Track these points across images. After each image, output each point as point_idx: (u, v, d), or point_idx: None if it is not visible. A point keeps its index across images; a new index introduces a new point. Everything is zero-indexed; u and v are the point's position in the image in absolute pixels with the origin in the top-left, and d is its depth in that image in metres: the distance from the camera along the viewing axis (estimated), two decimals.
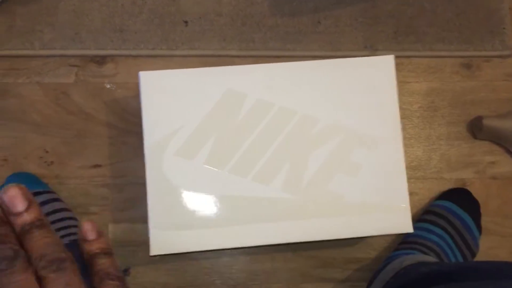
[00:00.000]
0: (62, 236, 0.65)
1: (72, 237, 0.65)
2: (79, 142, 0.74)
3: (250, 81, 0.63)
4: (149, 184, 0.61)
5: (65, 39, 0.76)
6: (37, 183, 0.71)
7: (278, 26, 0.78)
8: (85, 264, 0.54)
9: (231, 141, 0.62)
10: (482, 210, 0.74)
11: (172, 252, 0.60)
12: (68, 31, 0.76)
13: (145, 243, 0.72)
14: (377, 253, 0.75)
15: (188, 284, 0.73)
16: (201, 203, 0.61)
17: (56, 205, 0.68)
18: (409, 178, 0.76)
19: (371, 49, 0.78)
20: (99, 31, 0.76)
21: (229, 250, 0.73)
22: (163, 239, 0.60)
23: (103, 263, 0.30)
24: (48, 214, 0.67)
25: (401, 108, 0.77)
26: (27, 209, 0.28)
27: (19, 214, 0.28)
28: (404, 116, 0.78)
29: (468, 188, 0.75)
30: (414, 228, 0.69)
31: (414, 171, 0.76)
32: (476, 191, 0.75)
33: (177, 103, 0.62)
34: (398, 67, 0.78)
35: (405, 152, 0.77)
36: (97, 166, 0.74)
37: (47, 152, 0.74)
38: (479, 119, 0.75)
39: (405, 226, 0.62)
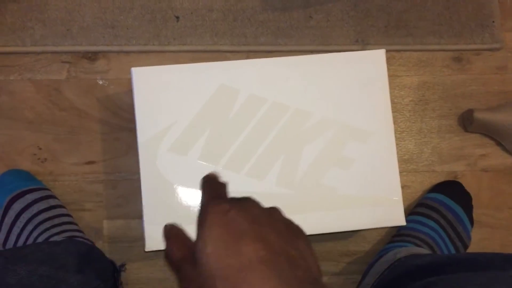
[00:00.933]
0: (57, 233, 0.65)
1: (67, 234, 0.65)
2: (72, 139, 0.74)
3: (243, 76, 0.63)
4: (143, 180, 0.61)
5: (56, 35, 0.76)
6: (31, 180, 0.71)
7: (270, 21, 0.78)
8: (81, 260, 0.55)
9: (225, 137, 0.62)
10: (473, 202, 0.75)
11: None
12: (60, 27, 0.76)
13: (140, 238, 0.73)
14: (371, 246, 0.75)
15: None
16: (195, 198, 0.61)
17: (51, 202, 0.68)
18: (401, 171, 0.76)
19: (362, 43, 0.79)
20: (90, 27, 0.76)
21: None
22: (158, 234, 0.60)
23: None
24: (42, 211, 0.67)
25: (392, 102, 0.78)
26: None
27: None
28: (396, 109, 0.78)
29: (460, 181, 0.76)
30: (407, 221, 0.69)
31: (406, 164, 0.77)
32: (468, 184, 0.76)
33: (170, 99, 0.62)
34: (389, 61, 0.79)
35: (397, 145, 0.77)
36: (90, 162, 0.74)
37: (40, 149, 0.74)
38: (470, 112, 0.76)
39: (398, 219, 0.62)
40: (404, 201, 0.74)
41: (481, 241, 0.77)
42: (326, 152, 0.63)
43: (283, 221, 0.33)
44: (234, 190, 0.61)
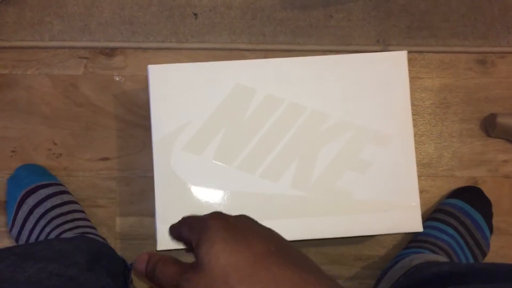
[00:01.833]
0: (70, 229, 0.65)
1: (80, 230, 0.65)
2: (88, 135, 0.74)
3: (260, 76, 0.62)
4: (156, 179, 0.60)
5: (74, 30, 0.76)
6: (46, 175, 0.71)
7: (289, 19, 0.77)
8: (91, 258, 0.54)
9: (240, 137, 0.61)
10: (493, 209, 0.73)
11: (178, 248, 0.60)
12: (78, 22, 0.76)
13: (152, 236, 0.72)
14: (386, 251, 0.74)
15: None
16: (208, 198, 0.60)
17: (65, 198, 0.68)
18: (419, 176, 0.75)
19: (383, 44, 0.77)
20: (108, 23, 0.76)
21: None
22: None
23: None
24: (56, 206, 0.67)
25: (413, 105, 0.76)
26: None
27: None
28: (416, 112, 0.76)
29: (480, 187, 0.74)
30: (425, 226, 0.68)
31: (425, 169, 0.75)
32: (488, 190, 0.74)
33: (186, 98, 0.61)
34: (411, 62, 0.77)
35: (416, 149, 0.76)
36: (105, 159, 0.74)
37: (55, 144, 0.74)
38: (492, 116, 0.74)
39: (415, 225, 0.61)
40: (421, 206, 0.73)
41: (500, 249, 0.74)
42: (343, 155, 0.61)
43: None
44: (248, 192, 0.61)
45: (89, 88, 0.75)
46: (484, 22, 0.77)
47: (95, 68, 0.75)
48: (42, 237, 0.65)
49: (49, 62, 0.75)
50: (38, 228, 0.65)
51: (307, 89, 0.62)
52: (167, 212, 0.60)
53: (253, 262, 0.27)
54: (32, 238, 0.66)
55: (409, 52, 0.77)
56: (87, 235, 0.64)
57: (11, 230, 0.69)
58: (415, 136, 0.76)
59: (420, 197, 0.65)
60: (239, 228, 0.30)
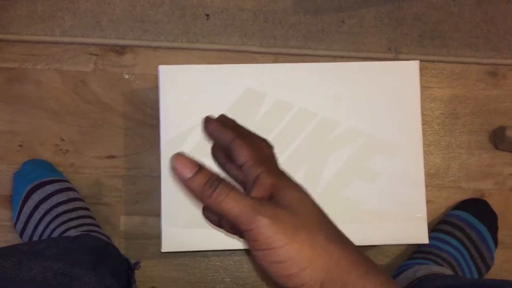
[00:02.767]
0: (75, 227, 0.64)
1: (85, 228, 0.65)
2: (95, 132, 0.74)
3: (270, 80, 0.62)
4: (163, 180, 0.60)
5: (85, 27, 0.75)
6: (53, 171, 0.70)
7: (301, 24, 0.76)
8: (96, 257, 0.54)
9: None
10: (499, 223, 0.73)
11: (183, 250, 0.60)
12: (89, 19, 0.75)
13: (156, 236, 0.72)
14: (389, 260, 0.73)
15: (197, 280, 0.72)
16: None
17: (70, 195, 0.68)
18: (426, 186, 0.74)
19: (395, 51, 0.76)
20: (120, 20, 0.76)
21: (240, 250, 0.73)
22: (175, 236, 0.60)
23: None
24: (61, 203, 0.67)
25: (422, 114, 0.75)
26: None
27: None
28: (425, 122, 0.76)
29: (487, 199, 0.74)
30: (429, 237, 0.67)
31: (432, 179, 0.75)
32: (495, 203, 0.74)
33: (196, 99, 0.61)
34: (422, 71, 0.77)
35: (424, 159, 0.75)
36: (111, 157, 0.73)
37: (63, 140, 0.74)
38: (502, 129, 0.73)
39: (421, 236, 0.61)
40: (427, 216, 0.72)
41: (504, 263, 0.74)
42: (351, 163, 0.61)
43: None
44: None
45: (98, 85, 0.75)
46: (497, 34, 0.77)
47: (105, 65, 0.75)
48: (46, 234, 0.65)
49: (59, 58, 0.75)
50: (43, 224, 0.65)
51: (317, 95, 0.62)
52: (173, 215, 0.60)
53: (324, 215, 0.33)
54: (37, 234, 0.66)
55: (420, 61, 0.76)
56: (92, 233, 0.63)
57: (15, 225, 0.69)
58: (423, 145, 0.75)
59: (426, 207, 0.64)
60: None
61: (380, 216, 0.60)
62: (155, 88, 0.73)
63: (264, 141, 0.37)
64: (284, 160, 0.61)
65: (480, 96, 0.77)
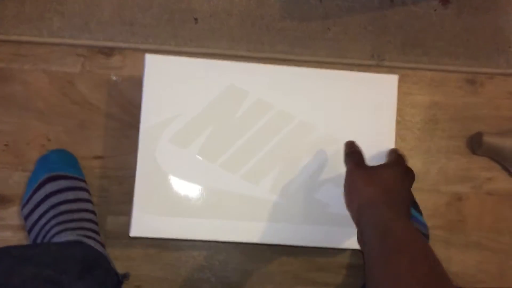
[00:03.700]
0: (72, 229, 0.65)
1: (82, 232, 0.65)
2: (82, 133, 0.74)
3: (254, 79, 0.64)
4: (139, 166, 0.61)
5: (74, 28, 0.76)
6: (73, 166, 0.71)
7: (288, 29, 0.78)
8: (85, 266, 0.55)
9: (226, 136, 0.63)
10: (475, 225, 0.76)
11: (151, 236, 0.61)
12: (78, 20, 0.76)
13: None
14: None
15: (183, 279, 0.73)
16: (187, 192, 0.62)
17: (80, 195, 0.69)
18: None
19: (378, 58, 0.79)
20: (108, 23, 0.76)
21: (225, 249, 0.74)
22: (145, 222, 0.61)
23: None
24: (68, 201, 0.67)
25: (403, 120, 0.78)
26: None
27: None
28: (406, 127, 0.78)
29: (464, 203, 0.76)
30: None
31: None
32: (471, 206, 0.77)
33: (179, 91, 0.63)
34: (403, 78, 0.79)
35: None
36: (98, 157, 0.74)
37: (49, 140, 0.74)
38: (479, 135, 0.76)
39: None
40: None
41: (480, 263, 0.77)
42: (324, 167, 0.64)
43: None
44: (227, 191, 0.62)
45: (86, 86, 0.75)
46: (476, 43, 0.80)
47: (93, 67, 0.76)
48: (47, 228, 0.65)
49: (47, 58, 0.75)
50: (47, 217, 0.66)
51: (298, 99, 0.64)
52: (145, 201, 0.61)
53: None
54: (39, 225, 0.66)
55: (401, 68, 0.79)
56: (88, 239, 0.64)
57: (23, 207, 0.69)
58: (404, 150, 0.78)
59: None
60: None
61: (348, 221, 0.62)
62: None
63: None
64: (260, 158, 0.63)
65: (459, 103, 0.79)
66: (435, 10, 0.80)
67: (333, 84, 0.64)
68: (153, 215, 0.61)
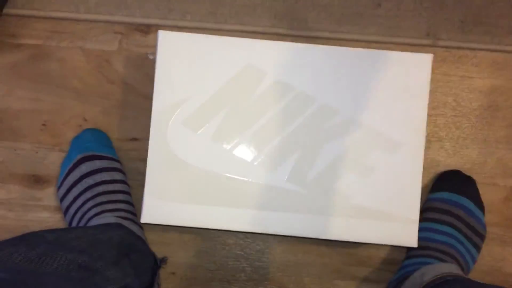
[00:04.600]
0: (110, 210, 0.63)
1: (120, 213, 0.64)
2: (118, 113, 0.72)
3: (273, 59, 0.59)
4: (151, 150, 0.59)
5: (110, 4, 0.73)
6: (108, 146, 0.70)
7: (334, 5, 0.72)
8: (121, 251, 0.53)
9: (242, 120, 0.59)
10: None
11: (163, 223, 0.59)
12: None
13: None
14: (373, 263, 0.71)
15: (217, 268, 0.71)
16: (200, 178, 0.59)
17: (115, 176, 0.67)
18: None
19: (433, 37, 0.72)
20: None
21: (262, 238, 0.71)
22: (157, 208, 0.59)
23: None
24: (104, 182, 0.66)
25: (459, 105, 0.72)
26: None
27: None
28: (462, 114, 0.72)
29: None
30: (420, 228, 0.64)
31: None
32: None
33: (194, 70, 0.59)
34: (461, 59, 0.72)
35: (459, 153, 0.71)
36: (134, 139, 0.72)
37: (86, 120, 0.72)
38: None
39: (410, 239, 0.58)
40: None
41: None
42: (346, 155, 0.58)
43: None
44: (242, 178, 0.58)
45: (123, 65, 0.73)
46: None
47: (130, 45, 0.73)
48: (84, 209, 0.65)
49: (84, 36, 0.73)
50: (82, 199, 0.65)
51: (320, 80, 0.59)
52: (157, 186, 0.59)
53: None
54: (74, 207, 0.66)
55: (460, 48, 0.72)
56: (126, 221, 0.62)
57: (58, 189, 0.69)
58: (458, 139, 0.71)
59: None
60: None
61: (369, 214, 0.58)
62: None
63: None
64: (276, 144, 0.58)
65: None
66: None
67: (360, 64, 0.59)
68: (165, 201, 0.58)
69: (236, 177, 0.59)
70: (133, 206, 0.68)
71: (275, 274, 0.71)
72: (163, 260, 0.65)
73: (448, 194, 0.68)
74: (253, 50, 0.59)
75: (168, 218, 0.59)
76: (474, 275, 0.69)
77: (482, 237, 0.68)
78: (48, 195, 0.72)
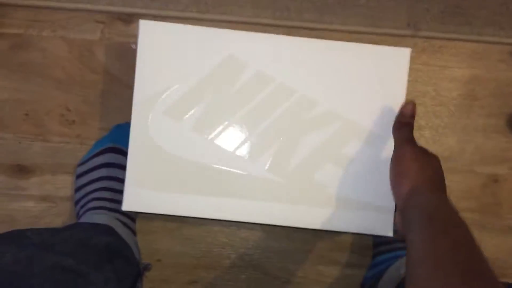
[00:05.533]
0: (109, 209, 0.64)
1: (115, 215, 0.64)
2: (102, 103, 0.72)
3: (254, 50, 0.60)
4: (132, 139, 0.59)
5: None
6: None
7: None
8: (106, 256, 0.54)
9: (223, 110, 0.59)
10: (510, 209, 0.72)
11: (144, 211, 0.60)
12: None
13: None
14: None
15: (202, 255, 0.72)
16: (181, 167, 0.59)
17: None
18: None
19: (414, 28, 0.73)
20: None
21: (247, 225, 0.72)
22: (138, 197, 0.59)
23: None
24: (114, 178, 0.66)
25: (438, 95, 0.73)
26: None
27: None
28: (441, 103, 0.73)
29: (500, 185, 0.72)
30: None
31: (445, 162, 0.71)
32: (509, 188, 0.72)
33: (175, 60, 0.59)
34: (440, 50, 0.73)
35: (438, 141, 0.73)
36: None
37: (69, 110, 0.72)
38: None
39: (386, 228, 0.60)
40: None
41: None
42: (326, 146, 0.60)
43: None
44: (222, 167, 0.59)
45: (105, 55, 0.72)
46: None
47: (112, 34, 0.73)
48: (87, 199, 0.65)
49: (65, 25, 0.72)
50: (92, 187, 0.66)
51: (301, 72, 0.60)
52: (138, 175, 0.59)
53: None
54: (85, 190, 0.67)
55: (440, 39, 0.73)
56: (119, 223, 0.63)
57: (78, 165, 0.70)
58: (438, 127, 0.73)
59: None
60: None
61: (346, 203, 0.59)
62: None
63: None
64: (257, 134, 0.59)
65: (501, 77, 0.73)
66: None
67: (340, 57, 0.60)
68: (146, 189, 0.59)
69: (217, 166, 0.59)
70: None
71: (260, 261, 0.72)
72: (147, 267, 0.66)
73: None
74: (235, 41, 0.59)
75: (149, 206, 0.59)
76: None
77: None
78: (33, 185, 0.72)
